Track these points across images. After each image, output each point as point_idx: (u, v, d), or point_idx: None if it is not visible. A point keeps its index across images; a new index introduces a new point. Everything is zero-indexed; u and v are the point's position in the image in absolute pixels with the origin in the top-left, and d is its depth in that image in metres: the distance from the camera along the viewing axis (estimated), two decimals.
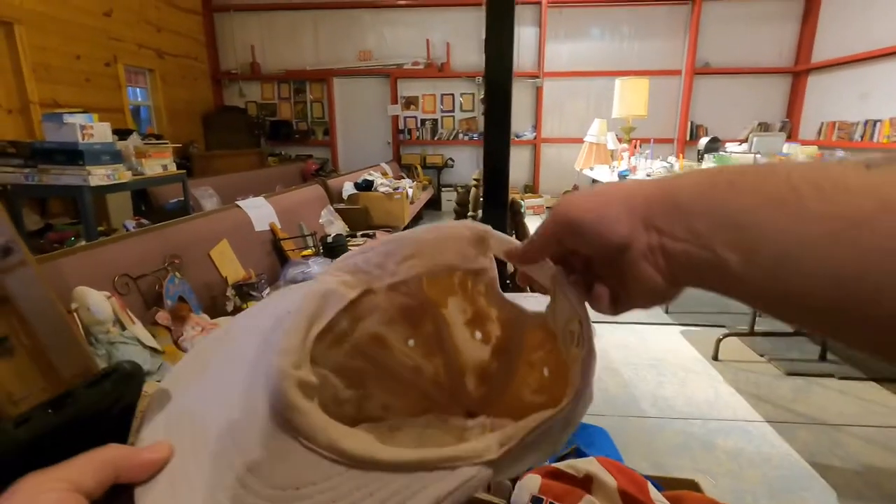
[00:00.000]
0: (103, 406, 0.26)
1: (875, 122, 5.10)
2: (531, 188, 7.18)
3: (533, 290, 0.37)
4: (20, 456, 0.22)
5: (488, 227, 0.37)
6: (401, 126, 7.26)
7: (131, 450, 0.24)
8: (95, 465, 0.23)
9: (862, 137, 5.25)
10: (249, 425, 0.26)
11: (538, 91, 6.96)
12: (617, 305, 0.33)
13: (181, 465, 0.25)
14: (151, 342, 1.33)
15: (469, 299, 0.38)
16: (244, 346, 0.30)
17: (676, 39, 6.68)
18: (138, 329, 1.31)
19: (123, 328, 1.27)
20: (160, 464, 0.24)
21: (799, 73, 6.45)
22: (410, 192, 4.58)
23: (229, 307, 1.89)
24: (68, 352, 1.25)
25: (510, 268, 0.38)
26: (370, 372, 0.35)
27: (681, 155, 5.06)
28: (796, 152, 4.11)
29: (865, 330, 0.21)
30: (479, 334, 0.39)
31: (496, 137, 1.67)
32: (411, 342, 0.37)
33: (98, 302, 1.23)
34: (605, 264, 0.32)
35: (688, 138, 6.72)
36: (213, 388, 0.29)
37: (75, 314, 1.20)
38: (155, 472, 0.24)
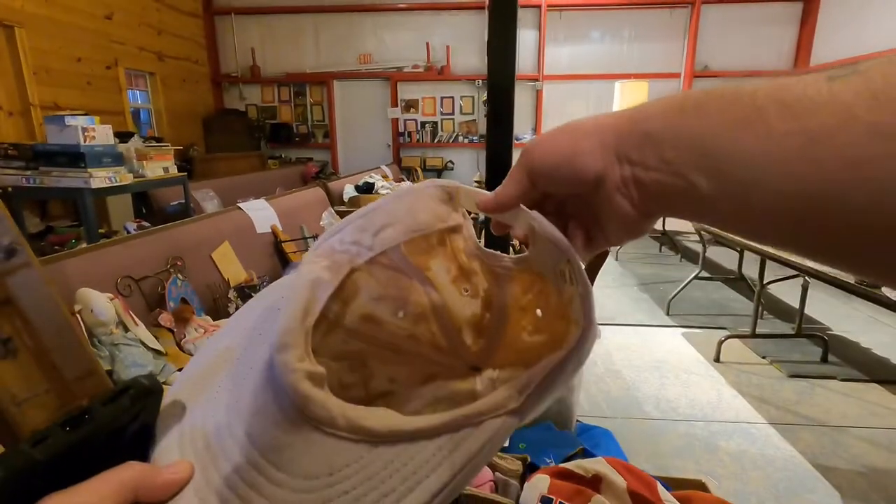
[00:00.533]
0: (121, 423, 0.25)
1: None
2: None
3: (507, 238, 0.37)
4: (37, 477, 0.22)
5: (454, 182, 0.37)
6: (401, 129, 7.27)
7: (151, 469, 0.24)
8: (114, 487, 0.22)
9: None
10: (265, 426, 0.26)
11: (538, 94, 6.97)
12: (591, 245, 0.33)
13: (204, 479, 0.25)
14: (154, 344, 1.33)
15: (450, 257, 0.38)
16: (246, 347, 0.30)
17: (676, 42, 6.70)
18: (141, 331, 1.31)
19: (126, 330, 1.27)
20: (181, 484, 0.24)
21: None
22: None
23: (231, 309, 1.89)
24: (71, 353, 1.25)
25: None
26: (369, 351, 0.35)
27: None
28: None
29: (831, 243, 0.21)
30: (466, 289, 0.39)
31: (499, 139, 1.67)
32: (401, 314, 0.37)
33: (101, 304, 1.23)
34: (578, 203, 0.32)
35: None
36: (222, 394, 0.28)
37: (78, 316, 1.19)
38: (175, 491, 0.24)
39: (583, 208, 0.32)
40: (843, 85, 0.20)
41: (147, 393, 0.25)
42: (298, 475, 0.24)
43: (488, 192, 0.34)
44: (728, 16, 6.48)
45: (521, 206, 0.33)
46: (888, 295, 1.34)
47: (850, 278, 1.51)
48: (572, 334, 0.27)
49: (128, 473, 0.23)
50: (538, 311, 0.36)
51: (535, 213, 0.33)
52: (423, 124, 7.24)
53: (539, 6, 6.63)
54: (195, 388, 0.30)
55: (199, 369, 0.31)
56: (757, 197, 0.22)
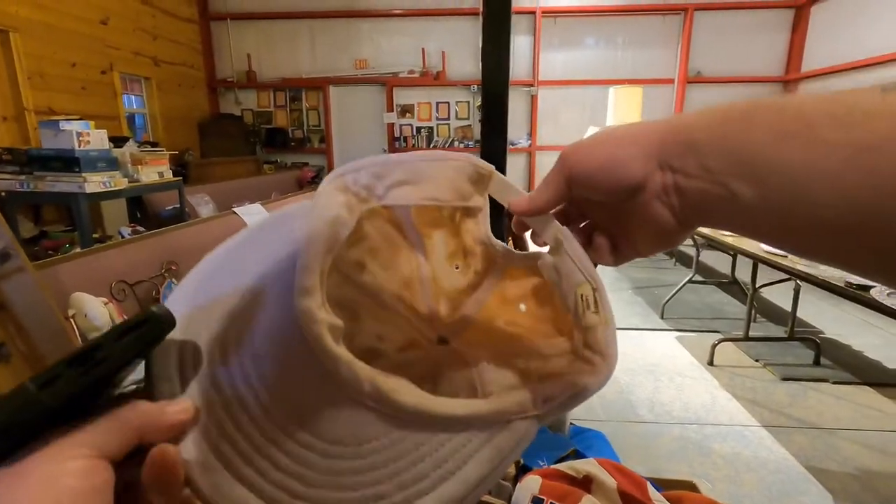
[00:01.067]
0: (134, 360, 0.23)
1: None
2: None
3: (518, 241, 0.38)
4: (44, 420, 0.20)
5: (490, 166, 0.35)
6: (396, 134, 7.29)
7: (157, 410, 0.23)
8: (121, 427, 0.21)
9: None
10: (285, 377, 0.24)
11: (533, 99, 7.01)
12: (617, 255, 0.33)
13: (215, 426, 0.23)
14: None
15: (455, 233, 0.37)
16: (256, 279, 0.27)
17: (669, 49, 6.76)
18: None
19: None
20: (187, 426, 0.23)
21: (789, 82, 6.54)
22: None
23: None
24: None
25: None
26: (361, 302, 0.34)
27: None
28: None
29: (877, 256, 0.21)
30: (458, 266, 0.38)
31: (493, 144, 1.69)
32: (390, 272, 0.36)
33: (95, 308, 1.23)
34: (608, 212, 0.32)
35: None
36: (231, 332, 0.26)
37: (72, 321, 1.19)
38: (181, 433, 0.23)
39: (612, 217, 0.32)
40: (895, 97, 0.20)
41: (162, 327, 0.23)
42: (324, 438, 0.23)
43: (523, 192, 0.34)
44: (720, 22, 6.55)
45: (551, 214, 0.33)
46: (877, 298, 1.36)
47: (839, 282, 1.53)
48: (605, 363, 0.27)
49: (134, 414, 0.22)
50: (522, 306, 0.36)
51: (565, 230, 0.32)
52: (418, 129, 7.27)
53: (534, 12, 6.69)
54: (197, 319, 0.27)
55: (200, 300, 0.27)
56: (802, 209, 0.22)
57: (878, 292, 1.37)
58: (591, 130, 4.98)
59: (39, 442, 0.20)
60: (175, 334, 0.25)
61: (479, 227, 0.37)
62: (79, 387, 0.21)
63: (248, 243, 0.30)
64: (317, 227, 0.26)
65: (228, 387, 0.24)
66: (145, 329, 0.22)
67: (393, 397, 0.24)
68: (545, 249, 0.34)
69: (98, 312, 1.23)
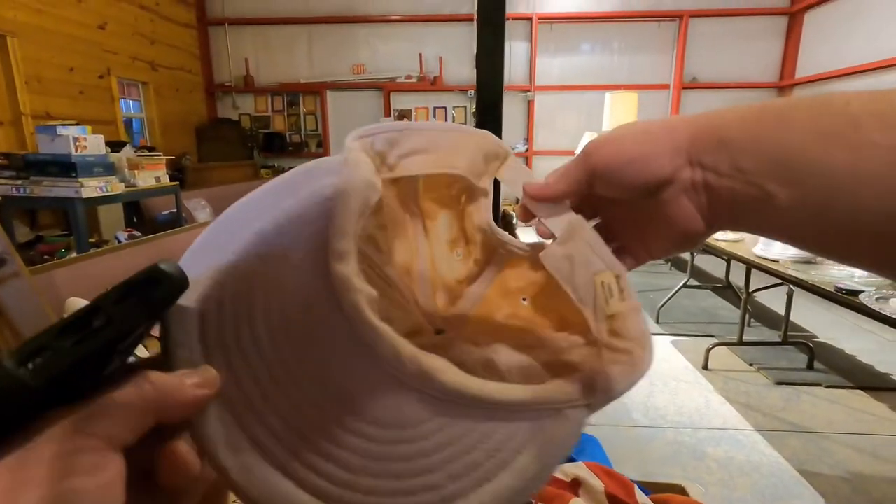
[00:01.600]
0: (141, 325, 0.19)
1: None
2: None
3: (510, 230, 0.36)
4: (28, 403, 0.17)
5: (509, 148, 0.34)
6: None
7: (175, 383, 0.19)
8: (133, 408, 0.18)
9: None
10: (320, 349, 0.22)
11: (529, 104, 7.05)
12: (629, 259, 0.32)
13: (242, 397, 0.21)
14: (144, 353, 1.33)
15: (458, 217, 0.36)
16: (284, 235, 0.24)
17: (665, 54, 6.81)
18: None
19: None
20: (208, 400, 0.20)
21: (784, 88, 6.59)
22: None
23: None
24: None
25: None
26: (370, 276, 0.32)
27: None
28: None
29: None
30: (459, 253, 0.37)
31: None
32: (394, 253, 0.34)
33: None
34: (629, 210, 0.30)
35: None
36: (257, 295, 0.23)
37: None
38: (201, 409, 0.20)
39: (629, 218, 0.31)
40: None
41: (172, 286, 0.19)
42: (366, 420, 0.21)
43: (537, 179, 0.32)
44: (715, 29, 6.60)
45: (566, 203, 0.31)
46: (865, 303, 1.37)
47: (830, 287, 1.54)
48: (643, 350, 0.26)
49: (146, 390, 0.18)
50: (524, 300, 0.35)
51: (579, 217, 0.31)
52: None
53: (530, 18, 6.73)
54: (219, 279, 0.23)
55: (221, 257, 0.24)
56: (842, 213, 0.21)
57: (867, 297, 1.39)
58: (588, 136, 5.00)
59: (31, 433, 0.17)
60: (195, 294, 0.22)
61: (482, 213, 0.36)
62: (71, 362, 0.17)
63: (272, 197, 0.27)
64: (351, 186, 0.23)
65: (258, 357, 0.22)
66: (152, 289, 0.18)
67: (439, 378, 0.21)
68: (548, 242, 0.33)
69: None
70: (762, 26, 6.55)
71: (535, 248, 0.35)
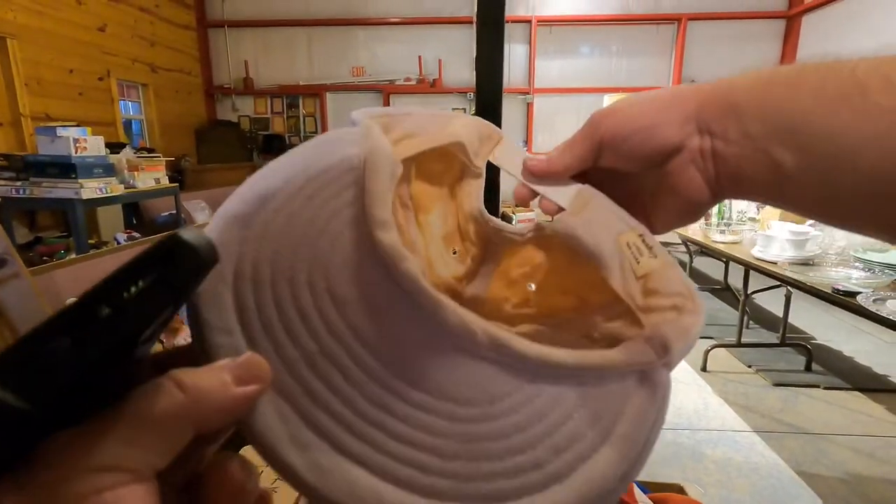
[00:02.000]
0: (163, 311, 0.15)
1: None
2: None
3: (501, 215, 0.34)
4: (22, 433, 0.12)
5: (500, 130, 0.33)
6: None
7: (213, 384, 0.15)
8: (165, 427, 0.14)
9: None
10: (379, 324, 0.20)
11: (528, 106, 7.06)
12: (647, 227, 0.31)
13: (300, 387, 0.18)
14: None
15: (453, 211, 0.35)
16: (320, 203, 0.21)
17: (663, 57, 6.84)
18: None
19: None
20: (258, 395, 0.16)
21: None
22: None
23: None
24: None
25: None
26: None
27: None
28: None
29: None
30: (455, 251, 0.35)
31: None
32: None
33: None
34: (634, 183, 0.30)
35: None
36: (300, 265, 0.20)
37: None
38: (248, 408, 0.16)
39: (634, 191, 0.30)
40: None
41: (198, 262, 0.14)
42: (446, 398, 0.19)
43: (537, 156, 0.31)
44: (713, 32, 6.63)
45: (570, 178, 0.30)
46: (863, 304, 1.38)
47: (827, 288, 1.55)
48: (688, 307, 0.24)
49: (179, 399, 0.14)
50: (531, 286, 0.33)
51: (585, 186, 0.30)
52: None
53: (529, 21, 6.75)
54: (253, 251, 0.20)
55: (252, 227, 0.21)
56: (847, 176, 0.21)
57: (865, 298, 1.39)
58: None
59: (24, 473, 0.12)
60: (227, 268, 0.19)
61: (473, 200, 0.35)
62: (71, 370, 0.12)
63: (301, 163, 0.24)
64: (379, 155, 0.22)
65: (310, 338, 0.19)
66: (175, 265, 0.14)
67: (515, 346, 0.20)
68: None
69: None
70: (760, 29, 6.57)
71: (536, 230, 0.33)
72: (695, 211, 0.29)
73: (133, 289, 0.13)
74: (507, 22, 6.63)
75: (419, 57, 7.02)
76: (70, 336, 0.12)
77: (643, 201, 0.30)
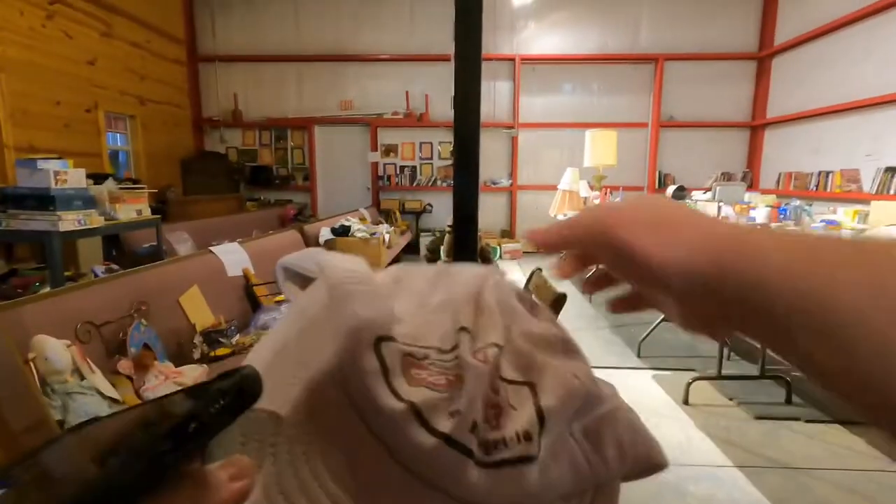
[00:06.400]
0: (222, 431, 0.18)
1: (828, 173, 5.43)
2: (508, 233, 7.32)
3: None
4: None
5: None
6: (380, 172, 7.41)
7: (218, 480, 0.17)
8: None
9: (816, 187, 5.57)
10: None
11: (513, 141, 7.23)
12: (638, 305, 0.31)
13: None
14: (111, 392, 1.30)
15: None
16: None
17: (642, 94, 7.09)
18: (98, 379, 1.29)
19: (82, 378, 1.25)
20: (249, 490, 0.18)
21: (756, 127, 6.87)
22: (388, 236, 4.63)
23: (196, 354, 1.86)
24: (21, 404, 1.22)
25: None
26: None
27: None
28: (757, 202, 4.33)
29: None
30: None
31: (465, 187, 1.73)
32: None
33: (57, 351, 1.21)
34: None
35: (657, 186, 7.01)
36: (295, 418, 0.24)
37: (32, 364, 1.17)
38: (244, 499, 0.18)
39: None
40: None
41: (255, 395, 0.18)
42: None
43: (541, 227, 0.31)
44: (689, 71, 6.91)
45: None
46: None
47: None
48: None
49: (199, 492, 0.16)
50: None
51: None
52: (402, 168, 7.41)
53: (513, 59, 6.99)
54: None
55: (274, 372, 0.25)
56: (885, 379, 0.18)
57: None
58: (570, 171, 5.14)
59: None
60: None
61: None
62: (162, 470, 0.15)
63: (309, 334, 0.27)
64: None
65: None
66: (241, 396, 0.17)
67: None
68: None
69: (60, 355, 1.21)
70: (733, 70, 6.88)
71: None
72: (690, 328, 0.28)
73: (213, 410, 0.16)
74: (492, 60, 6.87)
75: (406, 92, 7.19)
76: (171, 441, 0.15)
77: (652, 298, 0.30)
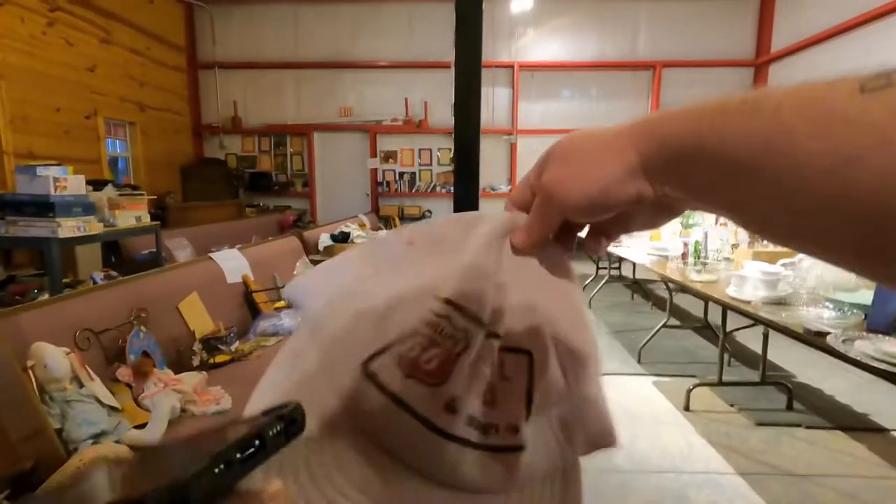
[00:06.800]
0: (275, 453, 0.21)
1: None
2: None
3: None
4: None
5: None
6: (379, 178, 7.42)
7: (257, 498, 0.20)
8: None
9: None
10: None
11: (512, 147, 7.25)
12: (610, 241, 0.34)
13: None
14: (110, 400, 1.29)
15: None
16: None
17: (641, 101, 7.12)
18: (97, 386, 1.28)
19: (81, 385, 1.24)
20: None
21: None
22: None
23: (195, 362, 1.85)
24: (19, 412, 1.21)
25: None
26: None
27: None
28: None
29: (855, 250, 0.21)
30: None
31: (465, 194, 1.73)
32: None
33: (56, 358, 1.20)
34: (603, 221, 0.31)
35: None
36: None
37: (30, 371, 1.17)
38: None
39: (596, 223, 0.32)
40: (875, 101, 0.20)
41: (301, 424, 0.21)
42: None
43: (518, 227, 0.32)
44: (687, 77, 6.95)
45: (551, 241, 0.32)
46: (832, 344, 1.40)
47: (798, 328, 1.58)
48: None
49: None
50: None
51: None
52: (401, 174, 7.42)
53: (512, 66, 7.02)
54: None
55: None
56: (781, 214, 0.22)
57: (834, 339, 1.42)
58: None
59: None
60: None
61: None
62: (240, 477, 0.18)
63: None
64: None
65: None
66: (293, 423, 0.20)
67: None
68: None
69: (59, 363, 1.20)
70: (731, 77, 6.91)
71: None
72: (659, 225, 0.32)
73: (271, 433, 0.19)
74: (491, 67, 6.91)
75: (405, 98, 7.22)
76: (238, 454, 0.18)
77: (608, 223, 0.32)
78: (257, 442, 0.18)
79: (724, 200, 0.25)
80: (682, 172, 0.26)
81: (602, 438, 0.31)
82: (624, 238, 3.79)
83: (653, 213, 0.30)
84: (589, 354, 0.29)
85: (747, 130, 0.23)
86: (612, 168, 0.27)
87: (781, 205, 0.22)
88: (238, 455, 0.17)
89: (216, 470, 0.17)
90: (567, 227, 0.32)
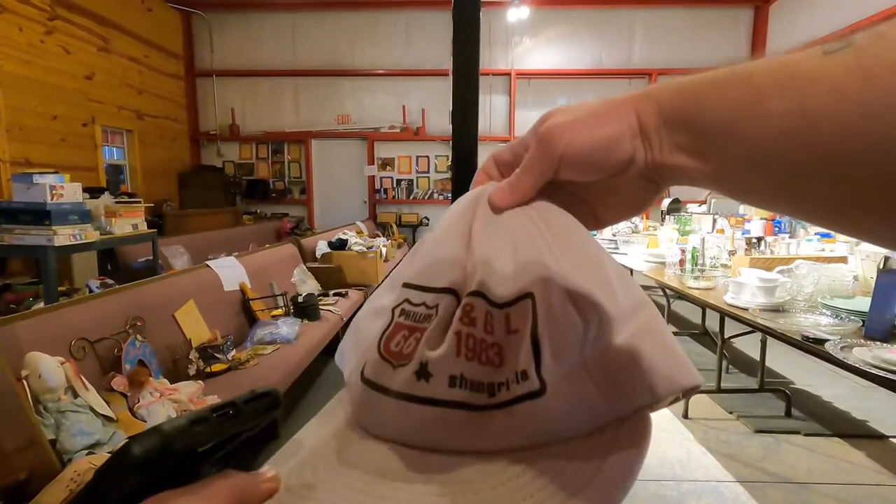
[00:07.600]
0: (258, 424, 0.24)
1: None
2: None
3: None
4: (168, 460, 0.19)
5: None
6: (377, 186, 7.43)
7: (252, 479, 0.23)
8: (225, 494, 0.21)
9: None
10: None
11: None
12: (595, 224, 0.33)
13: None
14: (105, 410, 1.28)
15: None
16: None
17: None
18: (91, 396, 1.27)
19: (76, 395, 1.23)
20: (275, 490, 0.24)
21: None
22: (384, 250, 4.62)
23: (192, 370, 1.84)
24: (12, 423, 1.20)
25: None
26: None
27: (645, 215, 5.29)
28: (751, 214, 4.36)
29: (825, 211, 0.23)
30: None
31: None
32: None
33: (50, 368, 1.19)
34: (592, 186, 0.31)
35: None
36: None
37: (24, 382, 1.15)
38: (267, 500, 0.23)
39: (576, 194, 0.31)
40: (835, 60, 0.21)
41: (278, 403, 0.24)
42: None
43: (499, 185, 0.30)
44: None
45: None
46: (830, 351, 1.40)
47: (796, 335, 1.57)
48: None
49: (235, 482, 0.22)
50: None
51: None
52: (398, 182, 7.43)
53: (509, 74, 7.07)
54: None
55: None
56: (755, 176, 0.24)
57: (832, 346, 1.42)
58: None
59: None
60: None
61: None
62: (218, 435, 0.21)
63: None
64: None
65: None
66: (268, 400, 0.24)
67: None
68: None
69: (53, 373, 1.19)
70: None
71: None
72: (643, 207, 0.32)
73: (244, 401, 0.23)
74: (488, 75, 6.95)
75: (403, 106, 7.25)
76: (220, 416, 0.21)
77: (588, 201, 0.32)
78: (230, 410, 0.21)
79: (708, 169, 0.26)
80: (671, 136, 0.27)
81: (674, 380, 0.26)
82: (621, 244, 3.80)
83: (636, 186, 0.30)
84: (592, 292, 0.25)
85: (723, 98, 0.24)
86: (618, 123, 0.28)
87: (760, 170, 0.23)
88: (213, 415, 0.21)
89: (194, 426, 0.20)
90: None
